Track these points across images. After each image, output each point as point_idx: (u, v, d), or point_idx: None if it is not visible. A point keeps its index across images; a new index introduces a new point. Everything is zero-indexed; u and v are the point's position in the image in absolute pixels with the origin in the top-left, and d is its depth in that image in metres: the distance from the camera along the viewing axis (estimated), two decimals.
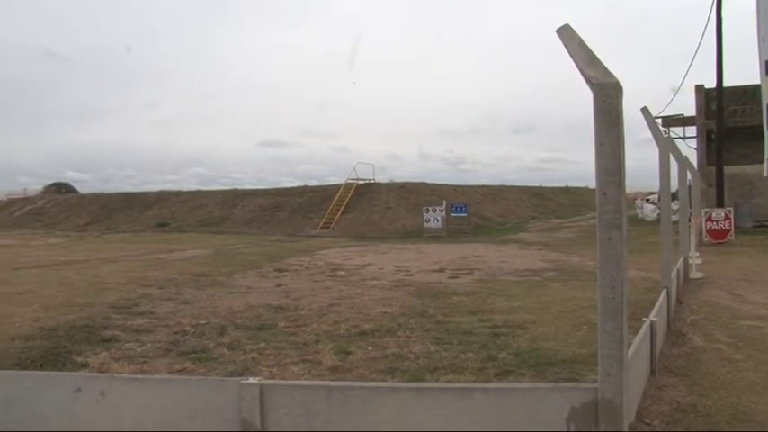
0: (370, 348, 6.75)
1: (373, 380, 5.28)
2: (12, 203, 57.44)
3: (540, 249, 20.27)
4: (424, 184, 38.76)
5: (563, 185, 56.22)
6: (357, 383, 4.02)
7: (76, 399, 4.15)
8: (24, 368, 5.59)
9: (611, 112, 3.29)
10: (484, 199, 39.45)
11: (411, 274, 13.75)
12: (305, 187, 43.14)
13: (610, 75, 3.33)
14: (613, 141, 3.29)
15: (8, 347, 7.15)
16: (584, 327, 7.42)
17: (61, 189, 71.24)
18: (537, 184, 53.85)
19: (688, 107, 28.11)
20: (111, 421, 4.07)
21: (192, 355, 6.63)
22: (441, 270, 14.52)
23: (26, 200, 58.22)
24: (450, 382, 5.24)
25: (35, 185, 69.31)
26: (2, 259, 19.06)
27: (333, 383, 3.87)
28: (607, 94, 3.30)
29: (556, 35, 3.54)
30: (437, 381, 5.39)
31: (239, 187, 49.69)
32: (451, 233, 28.47)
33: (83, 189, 71.83)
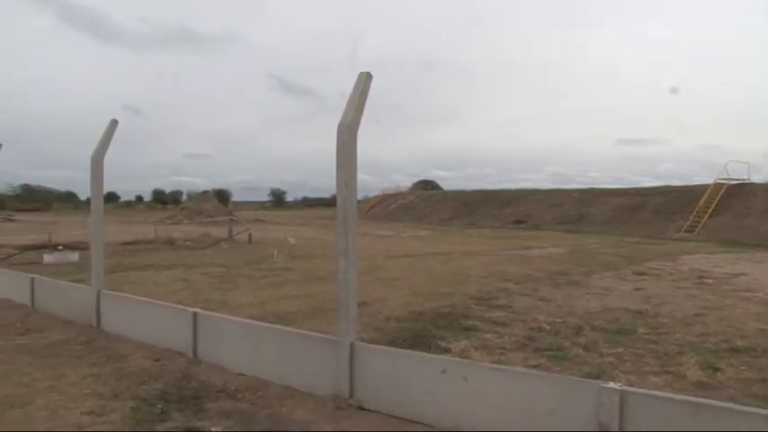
0: (743, 368, 6.09)
1: (746, 404, 4.76)
2: (386, 198, 64.44)
3: None
4: None
5: None
6: (730, 405, 3.65)
7: (441, 380, 4.50)
8: (397, 347, 6.16)
9: None
10: None
11: None
12: (668, 187, 40.67)
13: None
14: None
15: (383, 326, 8.03)
16: None
17: (427, 186, 77.94)
18: None
19: None
20: (472, 405, 4.33)
21: (548, 352, 6.68)
22: None
23: (398, 195, 64.77)
24: None
25: (405, 182, 77.09)
26: (378, 248, 21.38)
27: (702, 401, 3.57)
28: None
29: None
30: None
31: (596, 186, 48.88)
32: None
33: (446, 186, 77.81)
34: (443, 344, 7.05)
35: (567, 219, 39.93)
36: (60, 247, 18.36)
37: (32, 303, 9.50)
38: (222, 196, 68.60)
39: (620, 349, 6.77)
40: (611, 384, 3.77)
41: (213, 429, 4.45)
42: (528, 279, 12.96)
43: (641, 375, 5.82)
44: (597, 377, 5.41)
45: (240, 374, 5.76)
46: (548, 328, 7.94)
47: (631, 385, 5.02)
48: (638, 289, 11.70)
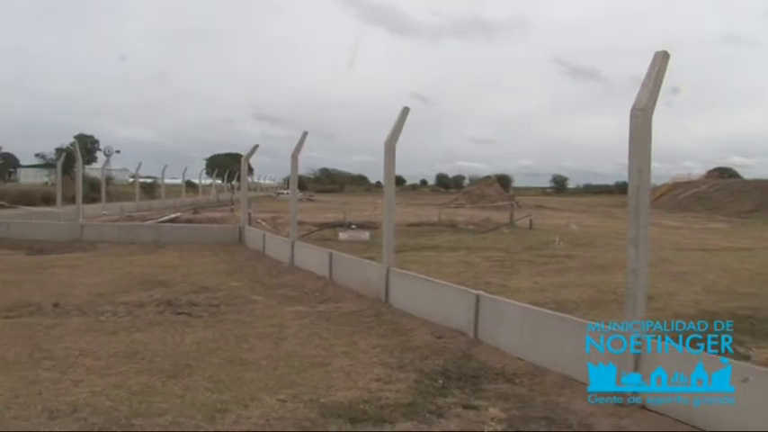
0: None
1: None
2: (676, 186, 60.18)
3: None
4: None
5: None
6: None
7: (742, 389, 4.13)
8: None
9: None
10: None
11: None
12: None
13: None
14: None
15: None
16: None
17: (724, 174, 70.97)
18: None
19: None
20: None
21: None
22: None
23: (689, 183, 60.17)
24: None
25: (698, 170, 71.04)
26: (667, 239, 20.04)
27: None
28: None
29: None
30: None
31: None
32: None
33: (747, 174, 70.21)
34: (742, 350, 6.44)
35: None
36: (353, 226, 20.06)
37: (330, 276, 10.52)
38: (503, 181, 69.09)
39: None
40: None
41: (491, 410, 4.55)
42: None
43: None
44: None
45: (518, 359, 5.82)
46: None
47: None
48: None
